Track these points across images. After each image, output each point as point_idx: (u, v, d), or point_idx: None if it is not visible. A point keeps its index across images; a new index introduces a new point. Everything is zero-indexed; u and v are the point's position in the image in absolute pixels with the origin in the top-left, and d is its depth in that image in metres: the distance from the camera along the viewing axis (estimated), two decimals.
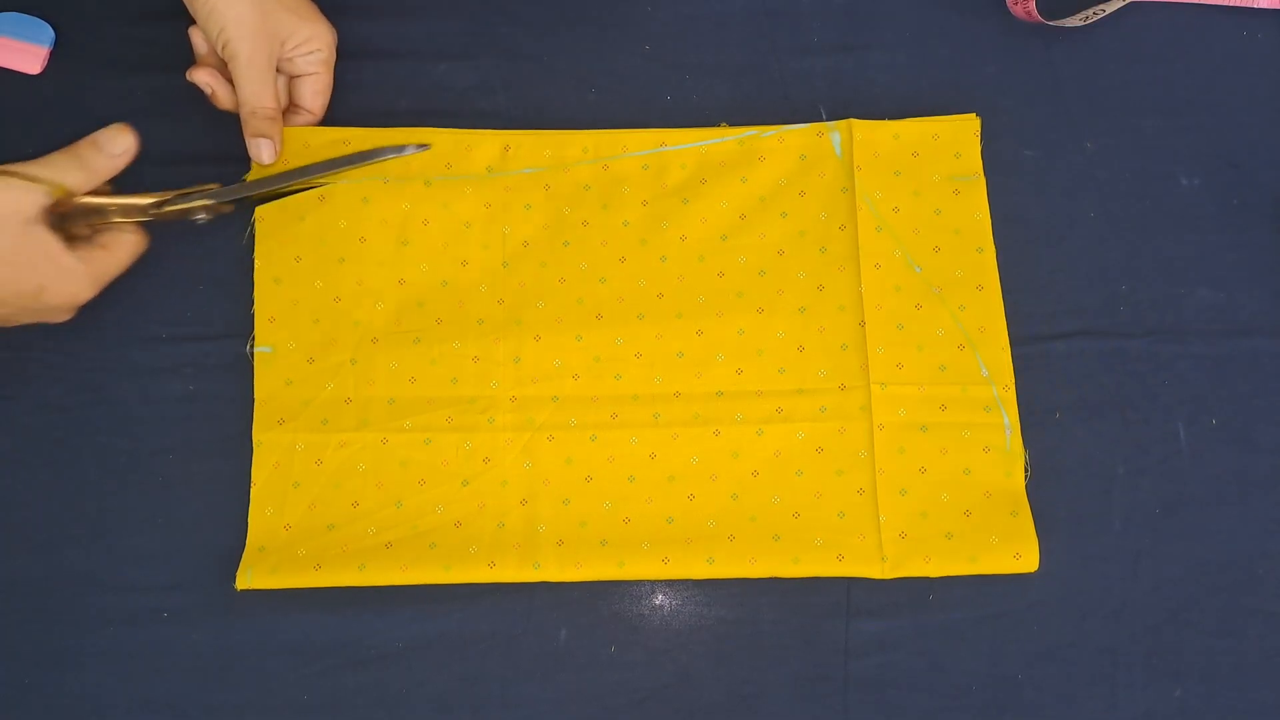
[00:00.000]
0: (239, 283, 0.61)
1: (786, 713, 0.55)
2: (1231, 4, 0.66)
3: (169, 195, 0.57)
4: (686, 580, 0.57)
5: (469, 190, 0.61)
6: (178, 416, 0.59)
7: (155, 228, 0.57)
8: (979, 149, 0.62)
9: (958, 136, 0.63)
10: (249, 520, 0.57)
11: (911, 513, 0.57)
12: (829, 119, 0.63)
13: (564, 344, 0.60)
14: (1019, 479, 0.57)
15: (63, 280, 0.52)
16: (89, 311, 0.60)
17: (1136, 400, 0.59)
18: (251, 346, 0.59)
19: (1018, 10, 0.65)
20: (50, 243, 0.51)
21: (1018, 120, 0.64)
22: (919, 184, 0.62)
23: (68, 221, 0.53)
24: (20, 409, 0.59)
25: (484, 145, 0.62)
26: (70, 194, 0.53)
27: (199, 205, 0.57)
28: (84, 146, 0.54)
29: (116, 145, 0.54)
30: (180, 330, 0.60)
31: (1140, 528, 0.58)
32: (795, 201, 0.62)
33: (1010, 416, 0.58)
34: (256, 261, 0.61)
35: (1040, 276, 0.61)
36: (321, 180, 0.61)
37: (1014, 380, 0.59)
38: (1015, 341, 0.59)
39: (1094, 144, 0.64)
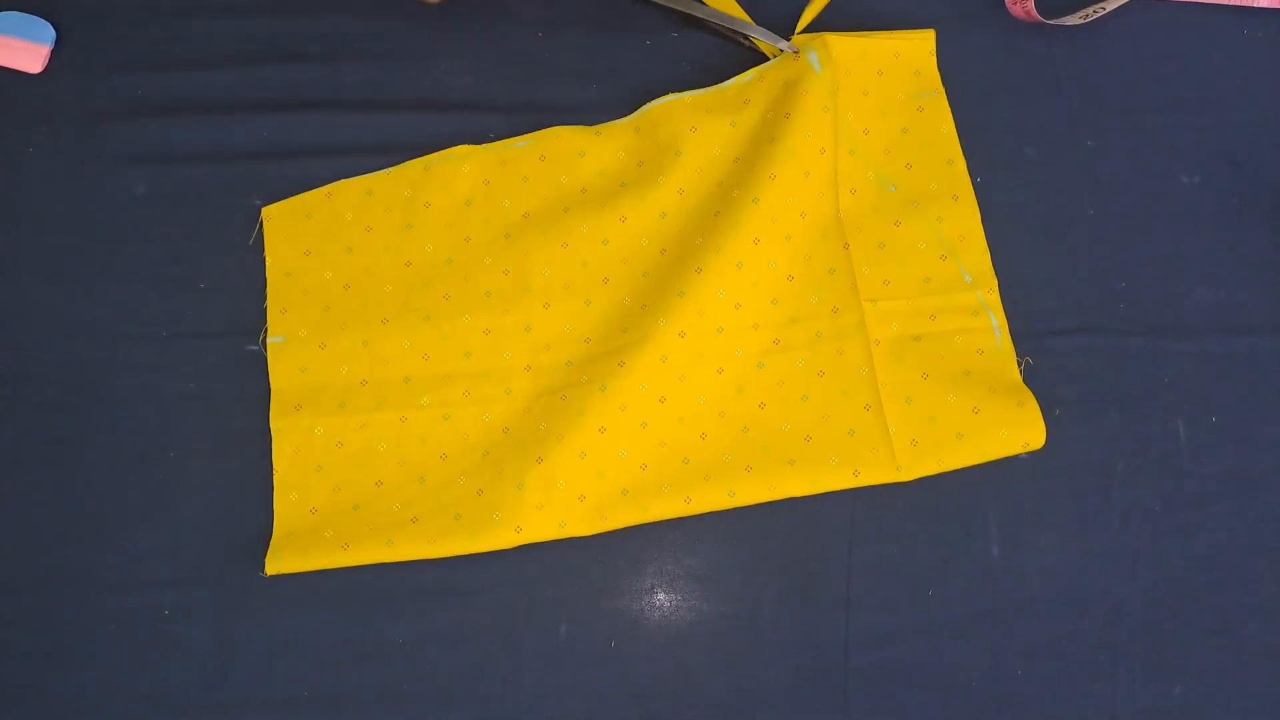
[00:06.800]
0: (238, 282, 0.61)
1: (786, 707, 0.55)
2: (1232, 3, 0.66)
3: None
4: (687, 575, 0.57)
5: (467, 169, 0.61)
6: (178, 415, 0.59)
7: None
8: (935, 65, 0.63)
9: (916, 54, 0.63)
10: (274, 506, 0.57)
11: (920, 419, 0.57)
12: None
13: (574, 309, 0.60)
14: (1015, 374, 0.58)
15: None
16: (89, 311, 0.61)
17: (1136, 397, 0.59)
18: (264, 339, 0.60)
19: (1017, 10, 0.65)
20: None
21: (1017, 118, 0.64)
22: (885, 103, 0.62)
23: None
24: (20, 409, 0.59)
25: None
26: None
27: None
28: None
29: None
30: (180, 329, 0.60)
31: (1140, 524, 0.58)
32: (782, 124, 0.61)
33: (998, 318, 0.59)
34: (267, 258, 0.61)
35: (1040, 274, 0.61)
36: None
37: (998, 284, 0.59)
38: (1015, 339, 0.59)
39: (1094, 142, 0.64)
